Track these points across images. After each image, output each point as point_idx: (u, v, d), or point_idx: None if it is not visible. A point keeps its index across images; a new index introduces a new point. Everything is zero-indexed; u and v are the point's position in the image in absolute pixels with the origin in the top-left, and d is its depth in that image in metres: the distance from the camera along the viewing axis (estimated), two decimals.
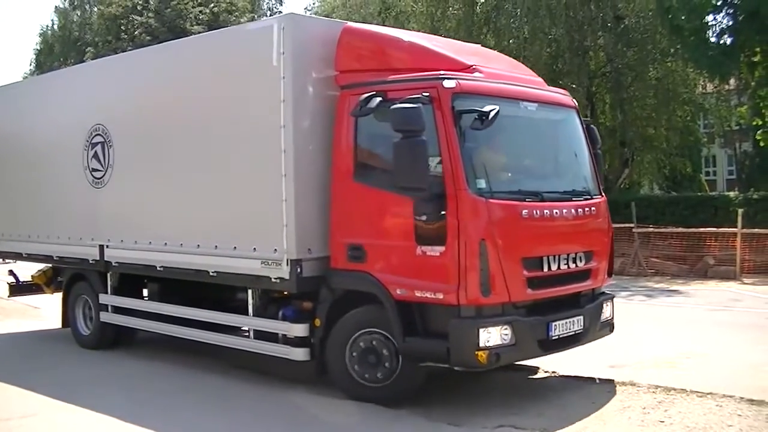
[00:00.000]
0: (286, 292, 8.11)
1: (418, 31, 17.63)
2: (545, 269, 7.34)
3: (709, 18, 21.81)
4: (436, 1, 26.25)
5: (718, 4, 21.22)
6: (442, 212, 6.92)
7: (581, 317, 7.71)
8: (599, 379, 8.39)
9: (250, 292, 8.44)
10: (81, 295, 11.05)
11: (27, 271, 12.61)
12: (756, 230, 19.13)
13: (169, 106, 9.14)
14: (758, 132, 24.65)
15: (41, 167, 11.28)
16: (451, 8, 26.86)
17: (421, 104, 6.82)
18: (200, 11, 39.95)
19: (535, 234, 7.32)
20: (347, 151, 7.64)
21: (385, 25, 22.17)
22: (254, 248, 8.11)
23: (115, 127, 9.97)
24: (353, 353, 7.61)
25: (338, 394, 7.82)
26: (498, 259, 6.91)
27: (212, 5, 40.61)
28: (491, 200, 6.96)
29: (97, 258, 10.29)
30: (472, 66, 7.55)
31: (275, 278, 7.95)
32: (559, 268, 7.47)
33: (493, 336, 6.90)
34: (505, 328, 6.95)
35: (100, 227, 10.26)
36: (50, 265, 11.86)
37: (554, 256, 7.44)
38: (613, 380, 8.30)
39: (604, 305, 8.15)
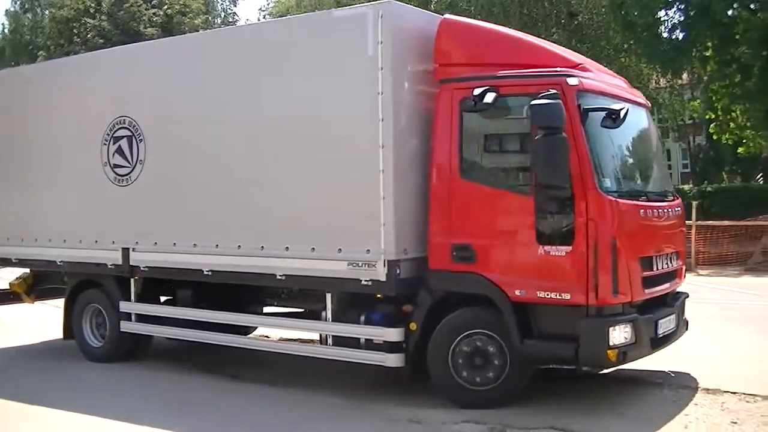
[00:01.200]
0: (379, 296, 7.68)
1: None
2: (655, 268, 7.34)
3: (662, 14, 22.54)
4: None
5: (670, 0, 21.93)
6: (569, 211, 6.77)
7: (674, 315, 7.76)
8: (672, 372, 8.38)
9: (328, 296, 7.95)
10: (90, 304, 10.10)
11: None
12: (710, 222, 19.96)
13: (229, 98, 8.47)
14: (711, 125, 25.63)
15: (41, 163, 10.25)
16: None
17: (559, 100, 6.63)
18: (153, 13, 38.90)
19: (648, 234, 7.32)
20: (452, 148, 7.33)
21: None
22: (339, 249, 7.65)
23: (148, 120, 9.18)
24: (457, 357, 7.31)
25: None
26: (625, 259, 6.83)
27: (165, 7, 39.56)
28: (618, 200, 6.88)
29: (119, 262, 9.44)
30: (581, 64, 7.46)
31: (366, 281, 7.52)
32: (662, 267, 7.50)
33: (619, 335, 6.81)
34: (627, 327, 6.88)
35: (124, 229, 9.42)
36: (30, 271, 10.88)
37: (660, 256, 7.46)
38: (691, 380, 8.33)
39: (685, 303, 8.26)
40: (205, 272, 8.69)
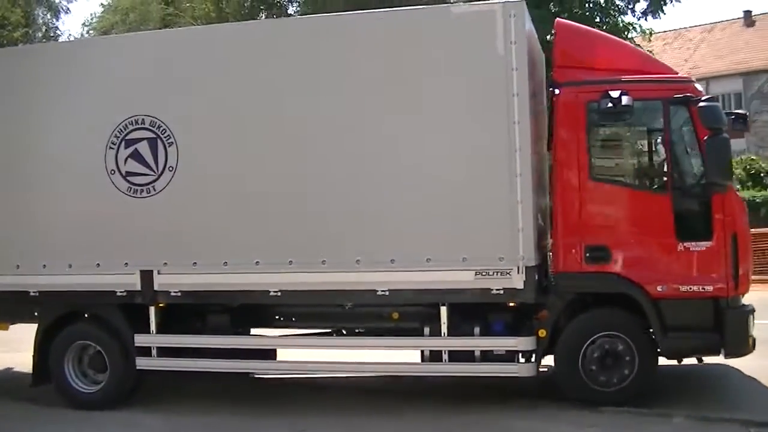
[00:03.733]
0: (512, 304, 7.39)
1: None
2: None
3: None
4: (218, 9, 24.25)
5: None
6: (708, 208, 7.15)
7: None
8: None
9: (443, 309, 7.45)
10: (77, 342, 8.33)
11: None
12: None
13: (314, 93, 7.56)
14: None
15: (14, 167, 8.32)
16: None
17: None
18: None
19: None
20: (579, 150, 7.34)
21: None
22: (463, 258, 7.25)
23: (180, 120, 7.84)
24: (588, 360, 7.32)
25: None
26: (750, 252, 7.38)
27: None
28: (739, 196, 7.42)
29: (137, 288, 7.96)
30: (678, 72, 7.90)
31: (498, 289, 7.22)
32: None
33: (752, 324, 7.32)
34: (752, 317, 7.41)
35: (144, 248, 7.95)
36: None
37: None
38: None
39: None
40: (272, 293, 7.68)
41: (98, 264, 8.02)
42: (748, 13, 37.79)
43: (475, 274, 7.24)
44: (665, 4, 21.57)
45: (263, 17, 21.69)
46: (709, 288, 7.14)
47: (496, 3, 7.25)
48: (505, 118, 7.14)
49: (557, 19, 8.01)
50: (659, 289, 7.18)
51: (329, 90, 7.57)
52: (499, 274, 7.20)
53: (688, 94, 7.17)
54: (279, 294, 7.67)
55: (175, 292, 7.93)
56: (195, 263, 7.81)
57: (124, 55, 8.20)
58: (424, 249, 7.35)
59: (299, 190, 7.62)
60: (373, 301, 7.58)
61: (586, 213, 7.35)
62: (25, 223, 8.28)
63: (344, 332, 8.19)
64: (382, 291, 7.44)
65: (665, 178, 7.35)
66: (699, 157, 7.21)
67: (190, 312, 8.27)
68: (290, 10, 22.47)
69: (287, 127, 7.66)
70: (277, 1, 22.17)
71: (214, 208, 7.82)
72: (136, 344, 8.10)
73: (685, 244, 7.18)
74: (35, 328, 8.47)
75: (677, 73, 7.87)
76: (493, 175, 7.22)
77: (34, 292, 8.24)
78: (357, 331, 8.15)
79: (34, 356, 8.41)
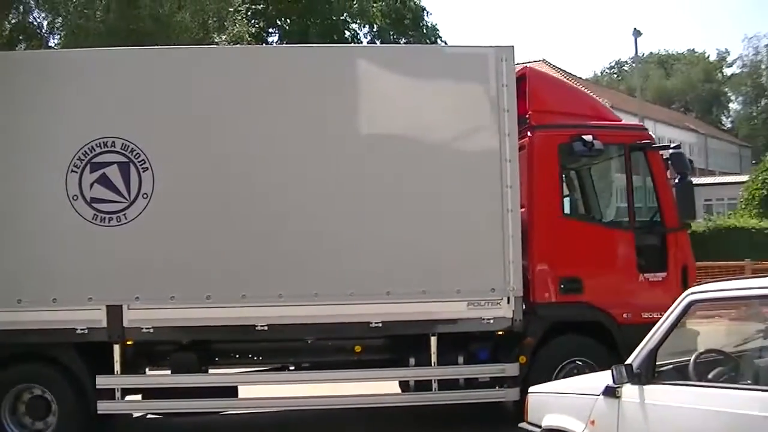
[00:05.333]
0: (500, 332, 7.70)
1: None
2: None
3: None
4: None
5: None
6: (664, 243, 8.02)
7: None
8: None
9: (433, 339, 7.62)
10: (15, 387, 7.43)
11: None
12: None
13: (304, 122, 7.44)
14: None
15: None
16: None
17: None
18: None
19: None
20: (552, 189, 7.91)
21: None
22: (457, 290, 7.50)
23: (157, 144, 7.36)
24: None
25: None
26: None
27: None
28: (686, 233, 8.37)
29: (102, 324, 7.32)
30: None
31: (488, 319, 7.56)
32: None
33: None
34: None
35: (113, 281, 7.33)
36: None
37: None
38: None
39: None
40: (258, 327, 7.42)
41: (54, 299, 7.26)
42: None
43: (468, 305, 7.52)
44: None
45: (23, 48, 20.32)
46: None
47: (488, 47, 7.66)
48: (498, 156, 7.53)
49: (529, 66, 8.57)
50: (625, 316, 7.89)
51: (328, 124, 7.53)
52: (490, 304, 7.54)
53: (645, 141, 8.03)
54: (265, 329, 7.42)
55: (147, 328, 7.37)
56: (172, 297, 7.34)
57: (104, 73, 7.53)
58: (420, 282, 7.49)
59: (292, 220, 7.45)
60: (365, 334, 7.58)
61: (560, 248, 7.92)
62: None
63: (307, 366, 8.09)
64: (376, 323, 7.47)
65: (627, 217, 8.12)
66: (655, 198, 8.07)
67: (147, 351, 7.74)
68: (51, 42, 21.31)
69: (279, 154, 7.50)
70: (38, 32, 21.05)
71: (196, 238, 7.40)
72: (98, 386, 7.41)
73: (645, 275, 7.98)
74: None
75: (620, 120, 8.75)
76: (487, 211, 7.55)
77: None
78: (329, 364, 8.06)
79: None
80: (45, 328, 7.28)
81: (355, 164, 7.51)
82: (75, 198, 7.29)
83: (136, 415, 8.53)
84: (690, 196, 7.82)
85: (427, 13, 31.52)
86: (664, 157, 7.90)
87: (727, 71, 74.15)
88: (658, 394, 4.41)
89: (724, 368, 4.40)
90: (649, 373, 4.52)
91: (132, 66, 7.58)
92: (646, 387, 4.47)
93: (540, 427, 5.24)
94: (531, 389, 5.64)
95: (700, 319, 5.34)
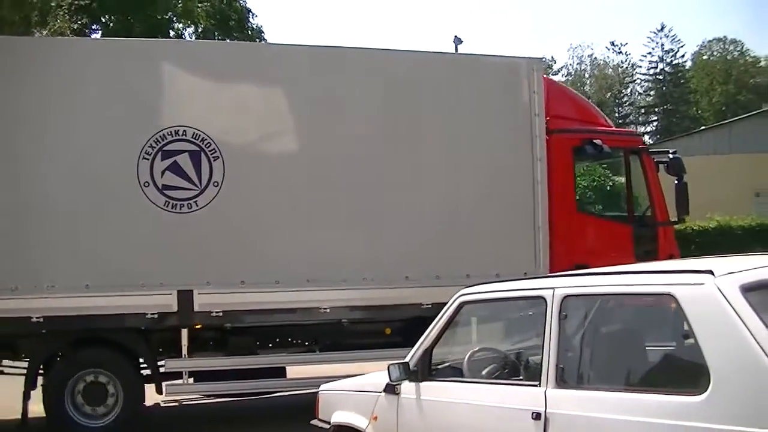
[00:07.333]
0: None
1: None
2: None
3: None
4: None
5: None
6: (656, 235, 9.26)
7: None
8: None
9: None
10: (80, 372, 7.40)
11: None
12: None
13: (370, 119, 8.04)
14: None
15: (23, 171, 7.23)
16: None
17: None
18: None
19: None
20: (568, 187, 8.94)
21: None
22: (497, 274, 8.26)
23: (227, 134, 7.65)
24: None
25: None
26: None
27: None
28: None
29: (173, 309, 7.49)
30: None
31: None
32: None
33: None
34: None
35: (183, 266, 7.52)
36: None
37: None
38: None
39: None
40: (322, 310, 7.86)
41: (124, 284, 7.33)
42: None
43: None
44: None
45: None
46: None
47: (522, 58, 8.60)
48: (530, 155, 8.47)
49: (550, 79, 9.58)
50: None
51: (381, 117, 8.16)
52: None
53: (641, 146, 9.28)
54: (328, 311, 7.87)
55: (216, 312, 7.60)
56: (243, 281, 7.62)
57: (180, 64, 7.78)
58: (463, 267, 8.21)
59: (359, 206, 7.97)
60: (417, 314, 8.18)
61: (575, 239, 8.93)
62: (25, 238, 7.20)
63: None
64: (427, 304, 8.09)
65: (627, 213, 9.29)
66: (647, 196, 9.30)
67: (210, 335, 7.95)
68: None
69: (344, 144, 8.00)
70: None
71: (265, 224, 7.75)
72: (166, 369, 7.54)
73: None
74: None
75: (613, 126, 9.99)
76: (521, 204, 8.44)
77: (36, 317, 7.16)
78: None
79: (25, 394, 7.26)
80: (114, 313, 7.35)
81: (414, 159, 8.19)
82: (146, 185, 7.43)
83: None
84: (686, 196, 9.09)
85: (253, 14, 31.55)
86: (664, 161, 9.16)
87: (554, 79, 79.23)
88: (434, 390, 4.54)
89: (496, 365, 4.54)
90: (425, 371, 4.63)
91: (206, 58, 7.83)
92: (422, 384, 4.59)
93: (329, 423, 5.30)
94: (321, 387, 5.68)
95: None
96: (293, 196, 7.84)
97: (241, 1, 31.33)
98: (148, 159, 7.44)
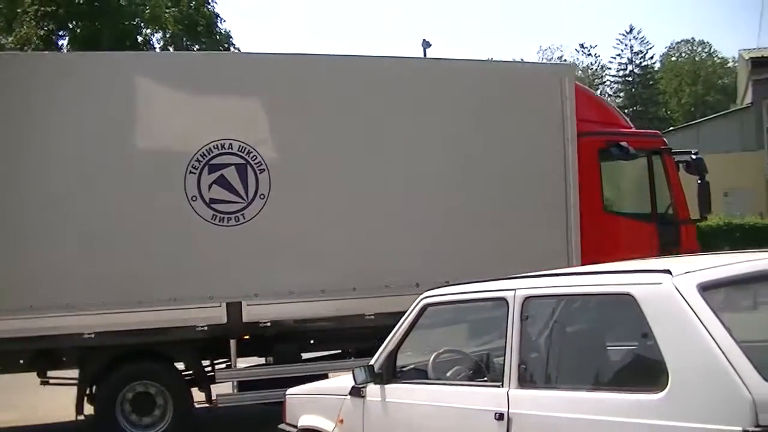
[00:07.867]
0: None
1: None
2: None
3: None
4: None
5: None
6: (678, 234, 9.52)
7: None
8: None
9: None
10: (130, 384, 7.48)
11: None
12: None
13: (415, 127, 8.12)
14: None
15: (63, 186, 7.21)
16: None
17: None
18: None
19: None
20: (595, 188, 9.14)
21: None
22: None
23: (273, 147, 7.71)
24: None
25: None
26: None
27: None
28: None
29: (222, 321, 7.56)
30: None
31: None
32: None
33: None
34: None
35: (232, 279, 7.58)
36: None
37: None
38: None
39: None
40: (366, 317, 7.99)
41: (174, 299, 7.39)
42: None
43: None
44: None
45: None
46: None
47: (554, 64, 8.88)
48: (562, 158, 8.64)
49: (576, 83, 9.71)
50: None
51: (438, 131, 8.27)
52: None
53: (664, 147, 9.50)
54: (372, 317, 8.00)
55: (264, 322, 7.70)
56: (291, 292, 7.71)
57: (228, 77, 7.82)
58: (504, 266, 8.38)
59: (405, 213, 8.08)
60: None
61: (601, 238, 9.13)
62: (76, 252, 7.22)
63: None
64: None
65: (650, 211, 9.52)
66: (669, 195, 9.54)
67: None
68: None
69: (390, 154, 8.11)
70: None
71: (311, 235, 7.82)
72: (217, 380, 7.65)
73: None
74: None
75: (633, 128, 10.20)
76: (554, 205, 8.63)
77: (88, 333, 7.20)
78: None
79: (78, 407, 7.33)
80: (165, 327, 7.41)
81: (458, 165, 8.32)
82: (194, 199, 7.46)
83: None
84: (708, 195, 9.35)
85: (221, 20, 31.17)
86: (685, 161, 9.39)
87: None
88: (400, 392, 4.54)
89: (460, 366, 4.56)
90: (390, 373, 4.63)
91: (249, 71, 7.84)
92: (387, 386, 4.58)
93: (296, 427, 5.29)
94: (289, 391, 5.65)
95: None
96: (338, 206, 7.92)
97: (209, 6, 30.96)
98: (195, 173, 7.46)
